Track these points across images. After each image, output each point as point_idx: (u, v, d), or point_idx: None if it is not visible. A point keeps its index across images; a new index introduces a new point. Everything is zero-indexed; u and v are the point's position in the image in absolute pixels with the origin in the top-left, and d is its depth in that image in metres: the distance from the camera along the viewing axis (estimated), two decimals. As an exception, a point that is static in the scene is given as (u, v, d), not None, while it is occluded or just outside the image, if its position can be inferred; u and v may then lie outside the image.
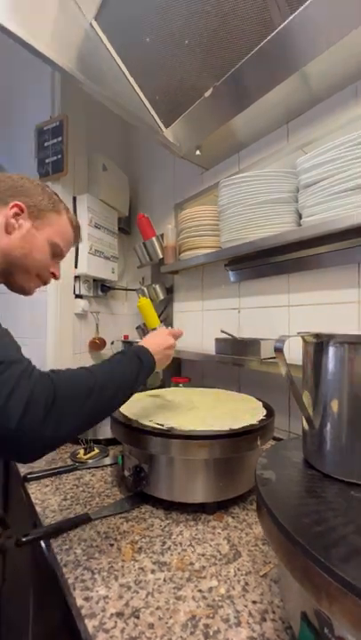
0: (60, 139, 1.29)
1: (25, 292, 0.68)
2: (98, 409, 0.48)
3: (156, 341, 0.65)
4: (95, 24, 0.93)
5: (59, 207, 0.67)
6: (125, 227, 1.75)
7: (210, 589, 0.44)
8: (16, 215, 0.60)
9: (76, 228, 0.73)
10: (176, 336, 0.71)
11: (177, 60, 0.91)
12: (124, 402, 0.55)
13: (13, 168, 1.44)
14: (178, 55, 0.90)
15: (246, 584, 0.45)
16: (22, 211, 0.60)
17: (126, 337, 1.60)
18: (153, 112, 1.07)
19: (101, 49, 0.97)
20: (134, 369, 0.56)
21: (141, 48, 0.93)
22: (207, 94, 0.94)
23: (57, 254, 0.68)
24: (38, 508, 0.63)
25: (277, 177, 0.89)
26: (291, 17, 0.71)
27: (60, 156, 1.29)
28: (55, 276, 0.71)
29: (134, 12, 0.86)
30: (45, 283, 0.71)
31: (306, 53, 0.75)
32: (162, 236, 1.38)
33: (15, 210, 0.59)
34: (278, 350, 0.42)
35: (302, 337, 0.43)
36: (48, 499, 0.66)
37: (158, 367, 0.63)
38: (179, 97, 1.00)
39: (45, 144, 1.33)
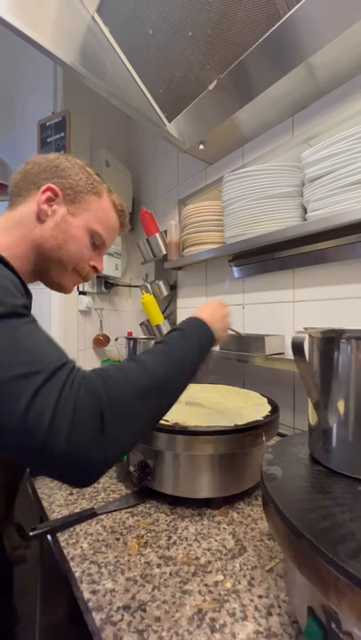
0: (62, 134, 1.29)
1: (62, 289, 0.58)
2: (157, 410, 0.40)
3: (211, 310, 0.57)
4: (97, 17, 0.92)
5: (99, 188, 0.58)
6: (129, 223, 1.75)
7: (216, 584, 0.44)
8: (49, 200, 0.52)
9: (122, 213, 0.63)
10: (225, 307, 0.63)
11: (180, 52, 0.90)
12: (182, 392, 0.45)
13: (16, 164, 1.44)
14: (181, 47, 0.89)
15: (252, 579, 0.45)
16: (56, 195, 0.52)
17: (130, 333, 1.60)
18: (156, 106, 1.06)
19: (104, 42, 0.96)
20: (195, 351, 0.47)
21: (144, 41, 0.92)
22: (211, 87, 0.93)
23: (98, 244, 0.58)
24: (45, 503, 0.64)
25: (282, 171, 0.88)
26: (296, 6, 0.69)
27: (63, 152, 1.28)
28: (97, 270, 0.61)
29: (136, 4, 0.85)
30: (85, 278, 0.60)
31: (311, 44, 0.74)
32: (165, 231, 1.37)
33: (48, 194, 0.52)
34: (297, 349, 0.39)
35: (310, 334, 0.42)
36: (54, 493, 0.67)
37: (219, 341, 0.56)
38: (182, 90, 0.99)
39: (48, 140, 1.33)
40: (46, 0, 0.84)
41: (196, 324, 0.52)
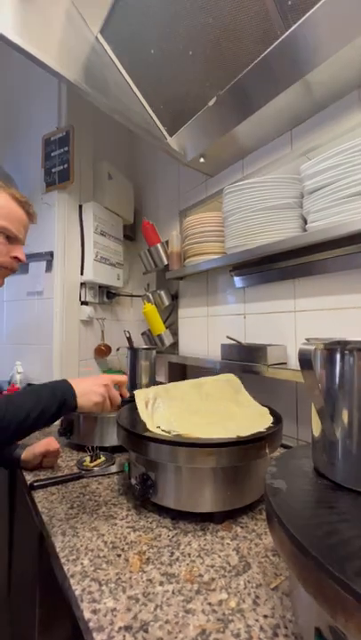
0: (66, 149, 1.32)
1: None
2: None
3: (85, 379, 0.64)
4: (101, 37, 0.96)
5: None
6: (130, 233, 1.77)
7: (220, 602, 0.43)
8: None
9: (24, 204, 0.68)
10: (116, 381, 0.67)
11: (181, 70, 0.93)
12: (33, 430, 0.57)
13: (20, 177, 1.47)
14: (182, 66, 0.92)
15: (257, 597, 0.44)
16: None
17: (132, 343, 1.60)
18: (157, 121, 1.09)
19: (107, 61, 0.99)
20: (48, 401, 0.57)
21: (146, 59, 0.95)
22: (211, 103, 0.95)
23: (12, 237, 0.64)
24: (45, 517, 0.63)
25: (282, 183, 0.90)
26: (292, 28, 0.72)
27: (66, 166, 1.31)
28: (20, 260, 0.68)
29: (139, 25, 0.88)
30: (12, 269, 0.68)
31: (308, 62, 0.76)
32: (167, 242, 1.38)
33: None
34: (305, 362, 0.39)
35: (316, 345, 0.42)
36: (55, 507, 0.66)
37: (83, 402, 0.61)
38: (183, 106, 1.01)
39: (52, 154, 1.36)
40: (51, 21, 0.87)
41: (60, 384, 0.62)
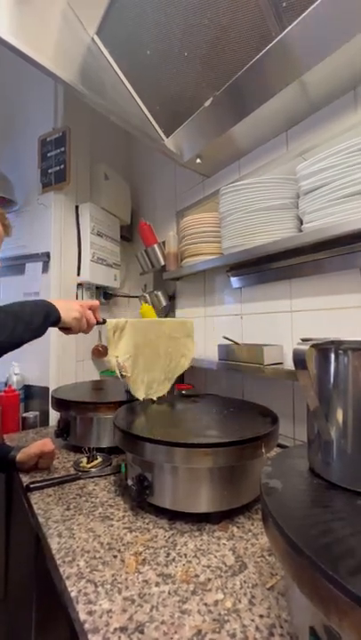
0: (62, 149, 1.32)
1: None
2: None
3: (61, 299, 0.77)
4: (97, 38, 0.96)
5: None
6: (127, 234, 1.77)
7: (215, 603, 0.43)
8: None
9: None
10: (88, 304, 0.78)
11: (177, 71, 0.93)
12: (26, 336, 0.65)
13: (17, 178, 1.46)
14: (178, 67, 0.92)
15: (253, 597, 0.44)
16: None
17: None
18: (154, 122, 1.09)
19: (103, 62, 0.99)
20: (35, 309, 0.67)
21: (142, 61, 0.95)
22: (207, 104, 0.95)
23: None
24: (41, 519, 0.62)
25: (277, 183, 0.90)
26: (288, 29, 0.72)
27: (62, 166, 1.31)
28: None
29: (135, 26, 0.88)
30: None
31: (303, 63, 0.76)
32: (164, 243, 1.38)
33: None
34: (299, 362, 0.39)
35: (311, 345, 0.42)
36: (51, 509, 0.66)
37: (66, 316, 0.71)
38: (179, 107, 1.01)
39: (48, 154, 1.35)
40: (47, 22, 0.87)
41: (42, 301, 0.70)
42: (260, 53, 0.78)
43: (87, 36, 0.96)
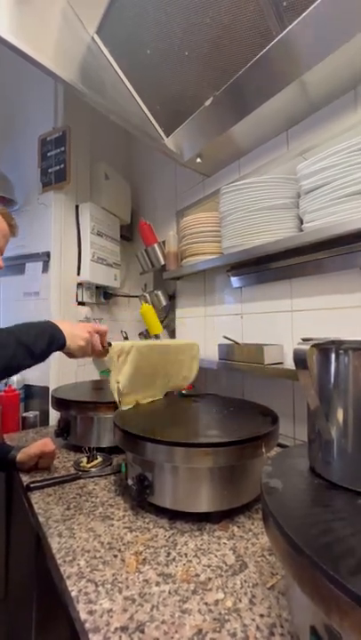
0: (62, 149, 1.31)
1: None
2: None
3: (69, 323, 0.71)
4: (97, 38, 0.95)
5: None
6: (127, 234, 1.76)
7: (216, 602, 0.43)
8: None
9: (5, 215, 0.74)
10: (97, 329, 0.75)
11: (177, 70, 0.93)
12: (26, 363, 0.61)
13: (17, 177, 1.46)
14: (178, 66, 0.92)
15: (253, 596, 0.44)
16: None
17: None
18: (154, 121, 1.09)
19: (103, 61, 0.99)
20: (40, 334, 0.63)
21: (142, 60, 0.95)
22: (207, 103, 0.95)
23: None
24: (41, 518, 0.62)
25: (278, 183, 0.90)
26: (288, 28, 0.72)
27: (62, 166, 1.31)
28: None
29: (135, 26, 0.88)
30: None
31: (304, 63, 0.76)
32: (164, 242, 1.38)
33: None
34: (300, 362, 0.38)
35: (311, 345, 0.42)
36: (51, 508, 0.66)
37: (71, 343, 0.68)
38: (179, 106, 1.01)
39: (48, 154, 1.35)
40: (47, 21, 0.87)
41: (50, 322, 0.67)
42: (261, 53, 0.78)
43: (87, 35, 0.95)
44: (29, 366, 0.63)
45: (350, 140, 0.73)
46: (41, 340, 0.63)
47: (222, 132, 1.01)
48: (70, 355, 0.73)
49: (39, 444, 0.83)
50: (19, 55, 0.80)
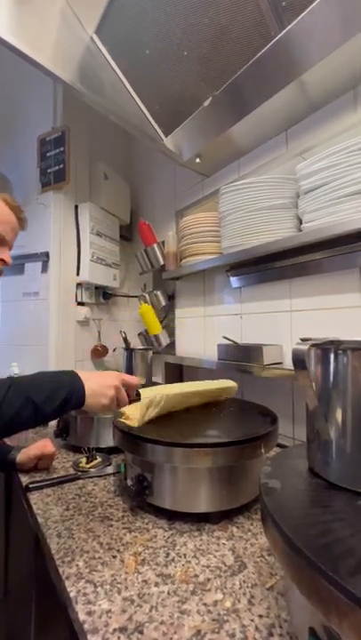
0: (62, 149, 1.31)
1: None
2: None
3: (96, 376, 0.58)
4: (96, 38, 0.95)
5: None
6: (127, 234, 1.76)
7: (215, 603, 0.43)
8: None
9: (15, 208, 0.70)
10: (127, 382, 0.61)
11: (176, 70, 0.93)
12: (29, 423, 0.50)
13: (16, 177, 1.46)
14: (177, 66, 0.92)
15: (252, 597, 0.44)
16: None
17: (129, 344, 1.60)
18: (153, 121, 1.09)
19: (102, 61, 0.99)
20: (55, 390, 0.51)
21: (141, 60, 0.94)
22: (206, 104, 0.95)
23: None
24: (40, 519, 0.62)
25: (277, 183, 0.90)
26: (287, 28, 0.72)
27: (62, 166, 1.31)
28: (5, 263, 0.68)
29: (134, 26, 0.88)
30: None
31: (303, 63, 0.76)
32: (163, 242, 1.38)
33: None
34: (299, 362, 0.38)
35: (310, 345, 0.42)
36: (50, 509, 0.66)
37: (91, 403, 0.55)
38: (178, 106, 1.01)
39: (47, 154, 1.35)
40: (46, 21, 0.87)
41: (70, 375, 0.55)
42: (260, 53, 0.78)
43: (86, 35, 0.95)
44: (33, 427, 0.53)
45: (350, 140, 0.73)
46: (53, 400, 0.51)
47: (221, 132, 1.01)
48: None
49: (39, 444, 0.83)
50: (18, 55, 0.80)
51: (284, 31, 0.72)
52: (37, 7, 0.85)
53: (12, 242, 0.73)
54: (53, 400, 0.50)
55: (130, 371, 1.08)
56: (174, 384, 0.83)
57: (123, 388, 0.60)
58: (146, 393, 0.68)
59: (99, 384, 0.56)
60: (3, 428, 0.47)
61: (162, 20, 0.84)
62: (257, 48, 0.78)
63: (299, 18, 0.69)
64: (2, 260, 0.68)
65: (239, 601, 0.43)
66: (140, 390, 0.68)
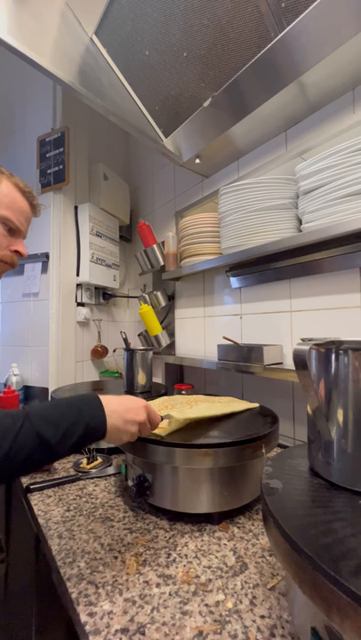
0: (61, 150, 1.31)
1: None
2: None
3: (122, 409, 0.50)
4: (95, 39, 0.96)
5: None
6: (127, 234, 1.76)
7: (217, 603, 0.43)
8: None
9: (28, 194, 0.64)
10: (151, 420, 0.55)
11: (176, 71, 0.93)
12: (45, 463, 0.43)
13: (16, 179, 1.46)
14: (177, 67, 0.92)
15: (254, 597, 0.44)
16: None
17: (129, 344, 1.60)
18: (153, 122, 1.09)
19: (102, 62, 0.99)
20: (72, 425, 0.43)
21: (141, 61, 0.95)
22: (206, 104, 0.95)
23: (14, 229, 0.60)
24: (41, 520, 0.62)
25: (277, 183, 0.90)
26: (286, 29, 0.72)
27: (61, 167, 1.31)
28: (20, 254, 0.63)
29: (133, 26, 0.88)
30: (12, 264, 0.62)
31: (302, 64, 0.76)
32: (163, 243, 1.38)
33: None
34: (300, 362, 0.38)
35: (311, 345, 0.42)
36: (51, 510, 0.65)
37: (111, 439, 0.49)
38: (178, 107, 1.01)
39: (47, 155, 1.35)
40: (46, 23, 0.87)
41: (91, 402, 0.47)
42: (260, 54, 0.78)
43: (86, 36, 0.96)
44: (44, 465, 0.47)
45: (349, 141, 0.73)
46: (70, 437, 0.43)
47: (221, 133, 1.01)
48: None
49: None
50: (17, 56, 0.80)
51: (283, 32, 0.72)
52: (37, 9, 0.85)
53: (27, 231, 0.66)
54: (70, 436, 0.43)
55: (130, 371, 1.08)
56: (199, 400, 0.81)
57: (147, 424, 0.54)
58: (174, 420, 0.63)
59: (123, 420, 0.49)
60: (14, 471, 0.40)
61: (161, 21, 0.84)
62: (256, 49, 0.78)
63: (297, 19, 0.70)
64: (17, 251, 0.61)
65: (241, 602, 0.43)
66: (171, 413, 0.64)
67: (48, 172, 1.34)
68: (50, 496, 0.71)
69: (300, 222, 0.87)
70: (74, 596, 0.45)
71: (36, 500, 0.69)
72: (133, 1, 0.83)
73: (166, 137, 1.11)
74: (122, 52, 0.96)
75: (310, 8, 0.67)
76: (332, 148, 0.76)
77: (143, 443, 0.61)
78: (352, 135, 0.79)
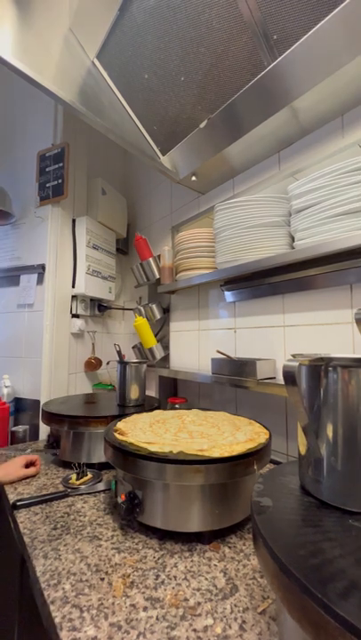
0: (61, 164, 1.34)
1: None
2: None
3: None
4: (97, 62, 1.00)
5: None
6: (123, 247, 1.79)
7: (205, 628, 0.42)
8: None
9: None
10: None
11: (174, 94, 0.97)
12: None
13: (15, 191, 1.48)
14: (175, 90, 0.96)
15: (243, 622, 0.43)
16: None
17: (123, 357, 1.59)
18: (151, 141, 1.13)
19: (102, 83, 1.03)
20: None
21: (140, 83, 0.99)
22: (202, 125, 0.99)
23: None
24: (26, 539, 0.60)
25: (270, 202, 0.93)
26: (278, 60, 0.76)
27: (60, 181, 1.33)
28: None
29: (134, 52, 0.92)
30: None
31: (293, 91, 0.80)
32: (159, 256, 1.40)
33: None
34: (289, 378, 0.39)
35: (300, 361, 0.42)
36: (37, 528, 0.64)
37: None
38: (175, 127, 1.05)
39: (47, 169, 1.38)
40: (49, 46, 0.91)
41: None
42: (253, 80, 0.82)
43: (87, 60, 1.00)
44: None
45: (338, 164, 0.76)
46: None
47: (217, 153, 1.04)
48: None
49: (20, 467, 0.85)
50: (21, 77, 0.83)
51: (276, 62, 0.76)
52: (41, 32, 0.89)
53: None
54: None
55: (123, 383, 1.07)
56: (191, 415, 0.82)
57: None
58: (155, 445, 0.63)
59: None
60: None
61: (160, 47, 0.88)
62: (250, 76, 0.82)
63: (288, 51, 0.74)
64: None
65: (230, 626, 0.42)
66: (151, 442, 0.63)
67: (47, 185, 1.37)
68: (37, 513, 0.69)
69: (293, 239, 0.89)
70: (57, 620, 0.43)
71: (22, 517, 0.67)
72: (134, 29, 0.87)
73: (163, 155, 1.15)
74: (122, 74, 1.00)
75: (300, 41, 0.71)
76: (322, 169, 0.79)
77: (134, 458, 0.60)
78: (342, 158, 0.82)
